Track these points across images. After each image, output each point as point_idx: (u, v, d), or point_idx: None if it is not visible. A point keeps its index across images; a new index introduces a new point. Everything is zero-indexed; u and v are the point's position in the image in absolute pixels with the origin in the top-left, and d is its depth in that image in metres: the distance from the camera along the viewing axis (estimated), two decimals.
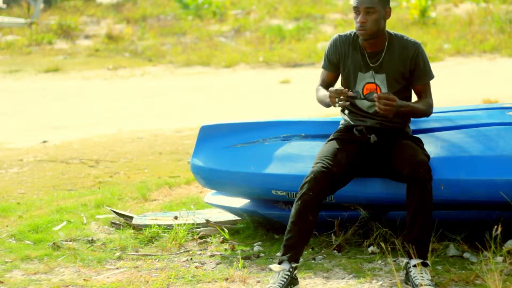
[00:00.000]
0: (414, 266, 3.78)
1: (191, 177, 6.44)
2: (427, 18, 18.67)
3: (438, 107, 4.69)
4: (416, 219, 3.84)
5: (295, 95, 11.81)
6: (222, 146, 4.71)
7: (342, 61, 4.23)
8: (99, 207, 5.63)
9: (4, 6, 24.04)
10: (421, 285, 3.69)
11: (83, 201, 5.82)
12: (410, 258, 3.82)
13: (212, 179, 4.71)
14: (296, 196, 3.98)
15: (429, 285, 3.70)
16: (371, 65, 4.16)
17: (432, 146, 4.23)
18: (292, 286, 3.80)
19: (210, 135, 4.80)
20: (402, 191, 3.97)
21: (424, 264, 3.80)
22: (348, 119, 4.27)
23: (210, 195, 5.01)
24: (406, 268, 3.84)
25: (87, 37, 21.07)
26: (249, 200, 4.75)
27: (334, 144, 4.14)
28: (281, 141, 4.59)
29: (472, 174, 4.06)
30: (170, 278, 4.09)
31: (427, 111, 4.16)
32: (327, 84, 4.32)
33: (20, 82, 15.66)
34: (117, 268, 4.32)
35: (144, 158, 7.86)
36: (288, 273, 3.79)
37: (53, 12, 23.47)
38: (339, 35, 4.27)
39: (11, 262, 4.45)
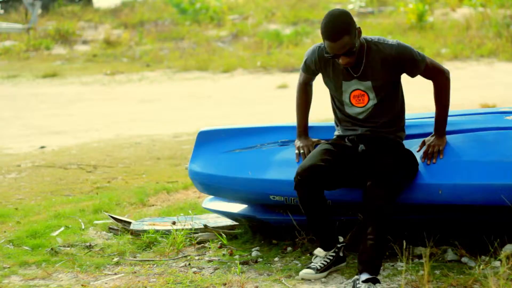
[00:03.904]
0: (363, 281, 3.73)
1: (189, 182, 6.44)
2: (424, 23, 18.70)
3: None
4: (368, 239, 3.83)
5: (293, 100, 11.77)
6: (220, 152, 4.71)
7: (323, 70, 4.19)
8: (97, 213, 5.63)
9: (2, 11, 24.06)
10: None
11: (81, 207, 5.82)
12: (361, 273, 3.79)
13: (210, 184, 4.71)
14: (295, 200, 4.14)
15: None
16: (354, 75, 4.09)
17: None
18: (338, 264, 4.14)
19: (208, 140, 4.79)
20: (400, 195, 3.99)
21: (374, 281, 3.74)
22: (340, 130, 4.27)
23: (208, 201, 5.01)
24: (354, 284, 3.78)
25: (84, 42, 21.09)
26: (247, 205, 4.74)
27: (322, 146, 4.19)
28: (278, 146, 4.59)
29: (470, 178, 4.06)
30: (168, 283, 4.09)
31: (448, 87, 4.13)
32: (306, 82, 4.41)
33: (17, 88, 15.67)
34: (115, 274, 4.31)
35: (142, 163, 7.86)
36: (333, 255, 4.13)
37: (51, 18, 23.49)
38: (319, 47, 4.18)
39: (9, 268, 4.44)
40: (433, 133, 4.20)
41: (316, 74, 4.32)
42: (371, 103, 4.10)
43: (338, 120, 4.28)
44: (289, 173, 4.33)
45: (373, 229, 3.83)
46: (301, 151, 4.33)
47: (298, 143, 4.40)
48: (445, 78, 4.11)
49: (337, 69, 4.12)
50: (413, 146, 4.27)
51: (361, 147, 4.13)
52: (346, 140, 4.20)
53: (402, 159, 4.07)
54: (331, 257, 4.12)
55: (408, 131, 4.35)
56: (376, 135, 4.15)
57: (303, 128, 4.43)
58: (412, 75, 4.11)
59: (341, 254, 4.17)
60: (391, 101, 4.13)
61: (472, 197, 4.05)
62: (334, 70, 4.13)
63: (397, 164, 3.99)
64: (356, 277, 3.81)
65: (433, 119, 4.44)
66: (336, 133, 4.30)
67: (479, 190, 4.02)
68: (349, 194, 4.21)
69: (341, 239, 4.23)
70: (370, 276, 3.74)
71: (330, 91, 4.26)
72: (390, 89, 4.11)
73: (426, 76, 4.11)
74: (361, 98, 4.11)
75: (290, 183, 4.15)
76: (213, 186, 4.69)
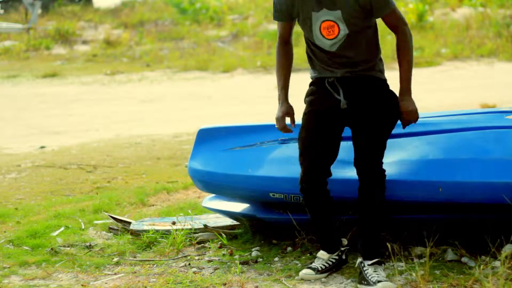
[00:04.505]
0: (370, 264, 3.90)
1: (189, 182, 6.44)
2: (424, 23, 18.70)
3: (436, 112, 4.69)
4: (364, 219, 3.96)
5: (293, 100, 11.77)
6: (220, 149, 4.71)
7: (292, 5, 4.02)
8: (97, 213, 5.63)
9: (2, 11, 24.07)
10: (379, 281, 3.80)
11: (81, 207, 5.82)
12: (364, 258, 3.94)
13: (209, 182, 4.71)
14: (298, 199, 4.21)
15: (387, 281, 3.81)
16: (322, 4, 3.91)
17: (429, 148, 4.23)
18: (339, 267, 4.15)
19: (208, 138, 4.80)
20: (400, 193, 3.99)
21: (379, 263, 3.91)
22: (317, 71, 4.10)
23: (208, 200, 5.01)
24: (360, 267, 3.94)
25: (84, 42, 21.10)
26: (247, 204, 4.74)
27: (311, 129, 4.04)
28: (278, 144, 4.60)
29: (470, 176, 4.07)
30: (168, 283, 4.09)
31: (410, 40, 3.96)
32: (284, 37, 4.21)
33: (18, 88, 15.67)
34: (115, 274, 4.31)
35: (142, 163, 7.86)
36: (336, 257, 4.13)
37: (51, 18, 23.50)
38: None
39: (9, 268, 4.44)
40: (401, 95, 4.00)
41: (291, 18, 4.11)
42: (342, 33, 3.92)
43: (312, 62, 4.11)
44: (289, 171, 4.33)
45: (371, 215, 3.95)
46: (279, 128, 4.16)
47: (276, 115, 4.19)
48: (407, 30, 3.96)
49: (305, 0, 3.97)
50: (409, 145, 4.27)
51: (343, 103, 3.96)
52: (326, 83, 4.02)
53: (386, 107, 3.99)
54: (333, 260, 4.13)
55: (407, 129, 4.34)
56: (356, 75, 3.98)
57: (282, 90, 4.23)
58: (377, 15, 3.93)
59: (343, 257, 4.18)
60: (364, 32, 3.96)
61: (472, 195, 4.06)
62: (304, 1, 3.97)
63: (382, 119, 3.96)
64: (360, 259, 3.95)
65: (432, 118, 4.45)
66: (314, 75, 4.12)
67: (479, 188, 4.02)
68: (349, 191, 4.20)
69: (344, 242, 4.23)
70: (376, 260, 3.91)
71: (302, 29, 4.09)
72: (362, 20, 3.93)
73: (389, 23, 3.95)
74: (331, 30, 3.94)
75: (290, 180, 4.16)
76: (213, 183, 4.69)
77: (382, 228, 4.02)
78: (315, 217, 4.11)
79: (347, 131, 4.07)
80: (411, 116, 4.00)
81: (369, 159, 3.94)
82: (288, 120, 4.16)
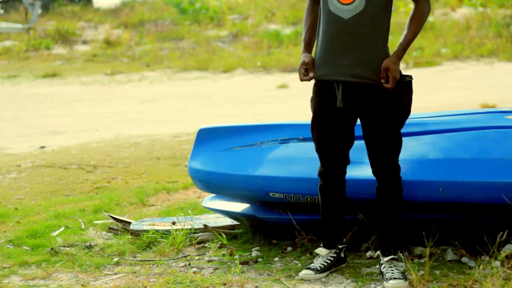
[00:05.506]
0: (386, 261, 3.97)
1: (189, 182, 6.44)
2: None
3: (436, 112, 4.69)
4: (380, 217, 4.02)
5: (293, 100, 11.83)
6: (220, 149, 4.71)
7: None
8: (97, 213, 5.63)
9: (2, 11, 24.07)
10: (392, 278, 3.83)
11: (81, 207, 5.82)
12: (382, 254, 4.02)
13: (209, 182, 4.71)
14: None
15: (399, 278, 3.83)
16: None
17: (429, 148, 4.23)
18: (338, 265, 4.16)
19: (208, 138, 4.80)
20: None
21: (396, 259, 3.98)
22: (319, 63, 3.98)
23: (208, 200, 5.01)
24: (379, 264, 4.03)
25: (84, 42, 21.10)
26: (247, 204, 4.74)
27: (322, 125, 4.00)
28: (278, 144, 4.60)
29: (470, 176, 4.07)
30: (168, 283, 4.09)
31: (426, 15, 3.94)
32: (314, 2, 4.13)
33: (18, 88, 15.68)
34: (115, 274, 4.31)
35: (142, 163, 7.86)
36: (334, 255, 4.14)
37: (51, 18, 23.49)
38: None
39: (9, 267, 4.44)
40: (393, 55, 3.90)
41: None
42: (358, 1, 3.87)
43: (320, 40, 4.01)
44: (289, 170, 4.33)
45: (386, 212, 4.00)
46: (302, 71, 4.05)
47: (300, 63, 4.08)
48: (427, 5, 3.95)
49: None
50: (409, 145, 4.26)
51: (339, 101, 3.89)
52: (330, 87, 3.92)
53: (396, 100, 3.91)
54: (332, 258, 4.13)
55: (407, 130, 4.33)
56: (362, 79, 3.87)
57: (303, 42, 4.12)
58: None
59: (342, 255, 4.19)
60: (378, 11, 3.91)
61: (472, 195, 4.06)
62: None
63: (392, 112, 3.89)
64: (378, 253, 4.06)
65: (433, 118, 4.45)
66: (318, 62, 3.99)
67: (479, 188, 4.03)
68: (350, 191, 4.20)
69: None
70: (392, 257, 3.98)
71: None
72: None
73: None
74: None
75: (290, 180, 4.16)
76: (213, 183, 4.69)
77: (399, 225, 4.06)
78: (328, 205, 4.12)
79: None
80: (391, 74, 3.83)
81: (382, 156, 3.95)
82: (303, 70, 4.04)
